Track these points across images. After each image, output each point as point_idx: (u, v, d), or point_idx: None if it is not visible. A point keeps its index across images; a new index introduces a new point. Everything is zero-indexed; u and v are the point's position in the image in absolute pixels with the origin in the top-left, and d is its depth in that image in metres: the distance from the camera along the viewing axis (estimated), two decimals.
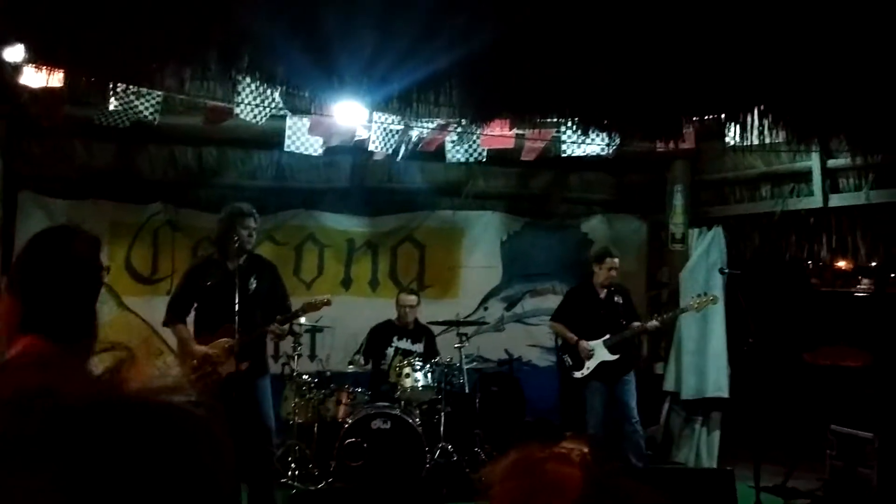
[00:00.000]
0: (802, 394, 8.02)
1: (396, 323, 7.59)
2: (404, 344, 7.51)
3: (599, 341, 7.04)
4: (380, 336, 7.52)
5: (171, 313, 5.89)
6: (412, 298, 7.62)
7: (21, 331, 2.21)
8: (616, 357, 7.00)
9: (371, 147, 6.80)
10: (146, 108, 6.07)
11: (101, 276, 2.48)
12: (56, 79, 5.25)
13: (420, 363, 7.01)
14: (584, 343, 7.06)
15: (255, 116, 6.08)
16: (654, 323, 7.16)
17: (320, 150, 6.94)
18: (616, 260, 7.18)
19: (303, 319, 6.69)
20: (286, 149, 6.81)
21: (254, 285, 5.74)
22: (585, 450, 1.19)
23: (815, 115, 5.40)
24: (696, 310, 7.14)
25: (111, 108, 6.05)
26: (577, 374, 7.12)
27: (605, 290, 7.18)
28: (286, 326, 6.02)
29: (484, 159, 7.31)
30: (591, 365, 7.03)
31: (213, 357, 5.58)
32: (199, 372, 5.61)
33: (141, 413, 0.74)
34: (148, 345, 7.76)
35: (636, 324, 7.11)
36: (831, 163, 7.38)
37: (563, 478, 1.12)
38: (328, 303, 6.20)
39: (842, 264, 8.23)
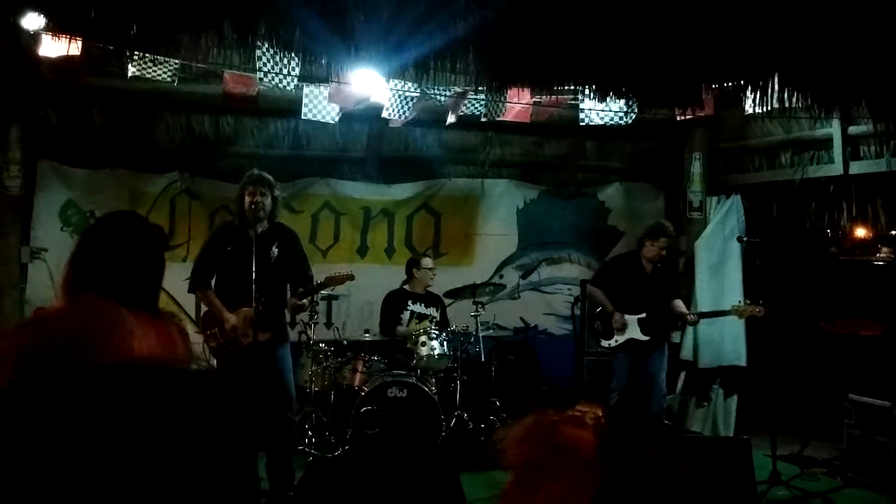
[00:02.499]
0: (820, 363, 7.99)
1: (409, 289, 7.61)
2: (419, 308, 7.53)
3: (634, 318, 6.88)
4: (395, 302, 7.54)
5: (196, 279, 5.87)
6: (432, 261, 7.67)
7: (83, 290, 2.34)
8: (647, 338, 6.86)
9: (385, 114, 6.78)
10: (164, 73, 6.07)
11: (163, 260, 2.67)
12: (74, 47, 5.25)
13: (436, 332, 7.03)
14: (618, 315, 6.90)
15: (277, 84, 6.05)
16: (692, 318, 6.98)
17: (337, 118, 6.93)
18: (671, 239, 6.96)
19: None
20: (303, 116, 6.79)
21: (276, 253, 5.72)
22: (599, 413, 1.19)
23: (836, 81, 5.34)
24: (740, 316, 6.84)
25: (130, 73, 6.03)
26: (605, 343, 7.03)
27: (652, 265, 6.96)
28: (305, 301, 6.00)
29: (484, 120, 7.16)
30: (619, 339, 6.92)
31: (238, 325, 5.58)
32: (222, 339, 5.63)
33: (160, 376, 0.75)
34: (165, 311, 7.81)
35: (680, 306, 6.93)
36: (852, 130, 7.31)
37: (576, 440, 1.13)
38: (351, 277, 6.13)
39: (861, 233, 8.15)
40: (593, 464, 1.09)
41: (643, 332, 6.86)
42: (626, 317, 6.91)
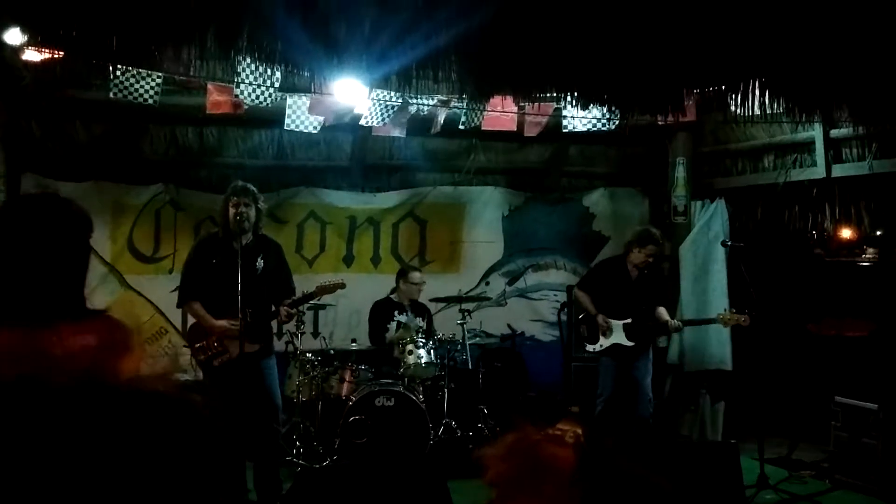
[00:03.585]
0: (806, 365, 8.02)
1: (395, 299, 7.61)
2: (405, 318, 7.53)
3: (620, 324, 6.90)
4: (381, 312, 7.54)
5: (184, 292, 5.85)
6: (422, 276, 7.65)
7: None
8: (632, 344, 6.87)
9: (363, 121, 6.77)
10: (146, 91, 6.05)
11: (85, 251, 2.24)
12: (55, 61, 5.24)
13: (423, 340, 7.03)
14: (602, 318, 6.92)
15: (256, 98, 6.06)
16: (676, 324, 7.00)
17: (318, 128, 6.92)
18: (660, 248, 6.97)
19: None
20: (286, 127, 6.79)
21: (261, 265, 5.71)
22: (579, 430, 1.20)
23: (817, 85, 5.39)
24: (725, 324, 6.88)
25: (111, 95, 6.02)
26: (590, 348, 7.05)
27: (637, 271, 6.97)
28: (295, 311, 6.00)
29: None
30: (604, 343, 6.93)
31: (227, 329, 5.57)
32: (210, 352, 5.62)
33: (123, 402, 0.74)
34: (151, 323, 7.80)
35: (664, 314, 6.94)
36: (834, 133, 7.35)
37: (556, 458, 1.14)
38: (342, 285, 6.13)
39: (847, 234, 8.19)
40: (573, 481, 1.10)
41: (628, 337, 6.87)
42: (611, 321, 6.92)
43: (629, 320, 6.89)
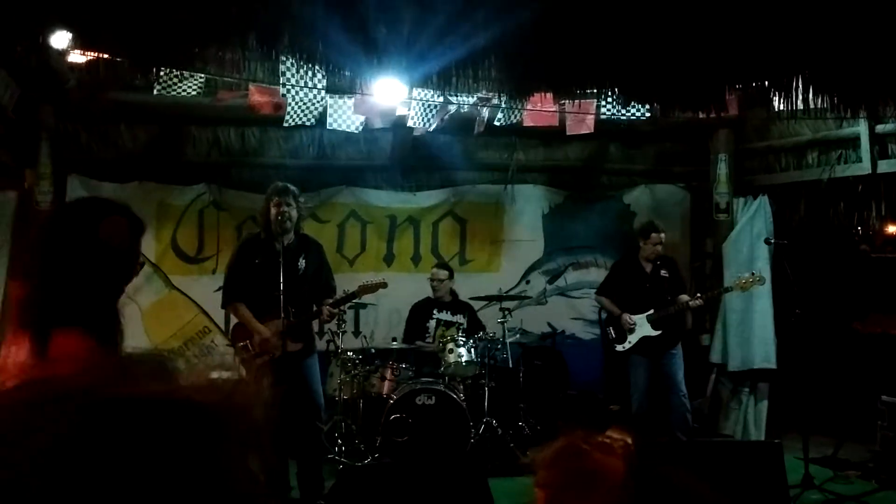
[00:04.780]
0: (852, 363, 7.91)
1: (434, 298, 7.64)
2: (445, 315, 7.55)
3: (643, 316, 7.00)
4: (420, 312, 7.58)
5: (228, 294, 5.93)
6: (442, 272, 7.65)
7: (45, 323, 1.97)
8: (658, 333, 6.95)
9: (410, 123, 6.82)
10: (190, 87, 6.16)
11: (134, 265, 2.21)
12: (100, 64, 5.33)
13: (463, 338, 7.04)
14: (626, 316, 7.04)
15: (301, 116, 6.17)
16: (696, 301, 7.03)
17: (360, 128, 6.97)
18: (662, 235, 7.08)
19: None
20: (328, 126, 6.83)
21: (303, 265, 5.77)
22: (629, 440, 1.21)
23: (862, 80, 5.30)
24: (742, 289, 6.98)
25: (155, 91, 6.13)
26: (619, 348, 7.12)
27: (651, 265, 7.11)
28: (337, 309, 6.05)
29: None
30: (632, 339, 7.02)
31: (270, 339, 5.63)
32: (254, 351, 5.68)
33: (170, 414, 0.74)
34: (194, 323, 7.90)
35: (684, 297, 7.02)
36: (879, 128, 7.24)
37: (605, 467, 1.14)
38: (384, 285, 6.18)
39: (893, 230, 8.07)
40: (622, 491, 1.11)
41: (653, 327, 6.96)
42: (634, 317, 7.02)
43: (651, 311, 6.99)
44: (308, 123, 6.86)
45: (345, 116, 6.79)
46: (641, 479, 1.11)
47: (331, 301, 5.87)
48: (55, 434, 0.69)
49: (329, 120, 6.78)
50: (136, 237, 2.25)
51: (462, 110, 6.97)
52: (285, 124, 6.78)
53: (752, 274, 6.90)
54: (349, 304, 6.97)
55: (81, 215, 2.16)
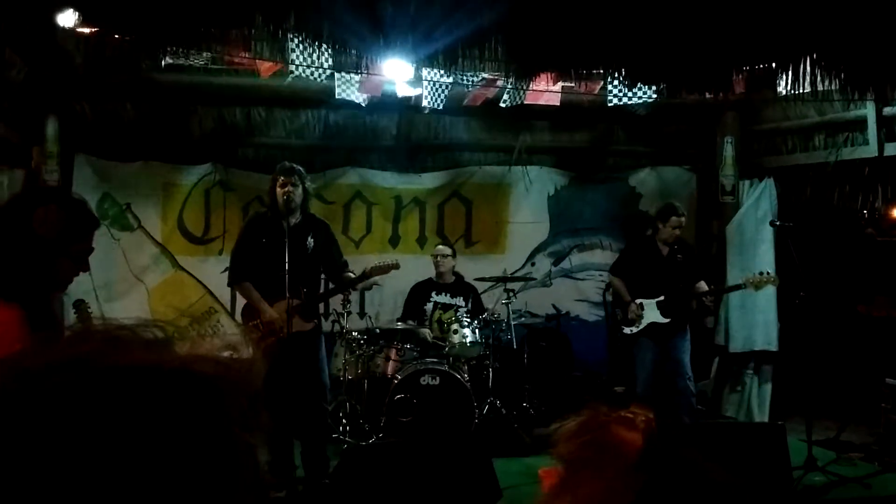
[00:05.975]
0: (856, 346, 7.92)
1: (435, 279, 7.64)
2: (443, 298, 7.55)
3: (652, 302, 6.91)
4: (419, 293, 7.59)
5: (234, 273, 5.94)
6: (446, 249, 7.67)
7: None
8: (668, 320, 6.88)
9: (425, 102, 6.77)
10: (196, 61, 6.16)
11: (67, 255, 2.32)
12: (106, 42, 5.33)
13: (467, 319, 7.05)
14: (634, 306, 6.94)
15: (310, 74, 6.07)
16: (708, 299, 7.08)
17: (366, 102, 6.94)
18: (682, 218, 6.96)
19: (350, 275, 6.72)
20: (337, 96, 6.74)
21: (311, 244, 5.78)
22: (651, 415, 1.21)
23: (870, 62, 5.28)
24: (756, 288, 6.87)
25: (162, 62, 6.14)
26: (627, 331, 7.05)
27: (668, 248, 6.99)
28: (352, 288, 6.08)
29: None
30: (641, 324, 6.95)
31: (277, 319, 5.63)
32: (263, 331, 5.69)
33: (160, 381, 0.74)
34: (201, 304, 7.92)
35: (702, 285, 6.97)
36: (887, 111, 7.21)
37: (624, 441, 1.15)
38: (397, 266, 6.14)
39: None
40: (638, 466, 1.11)
41: (663, 314, 6.88)
42: (644, 301, 6.94)
43: (662, 298, 6.90)
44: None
45: (351, 89, 6.72)
46: (659, 457, 1.12)
47: (348, 280, 5.88)
48: (48, 404, 0.69)
49: (338, 90, 6.68)
50: (76, 226, 2.33)
51: (467, 90, 6.94)
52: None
53: (767, 273, 6.81)
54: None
55: (16, 204, 2.33)
